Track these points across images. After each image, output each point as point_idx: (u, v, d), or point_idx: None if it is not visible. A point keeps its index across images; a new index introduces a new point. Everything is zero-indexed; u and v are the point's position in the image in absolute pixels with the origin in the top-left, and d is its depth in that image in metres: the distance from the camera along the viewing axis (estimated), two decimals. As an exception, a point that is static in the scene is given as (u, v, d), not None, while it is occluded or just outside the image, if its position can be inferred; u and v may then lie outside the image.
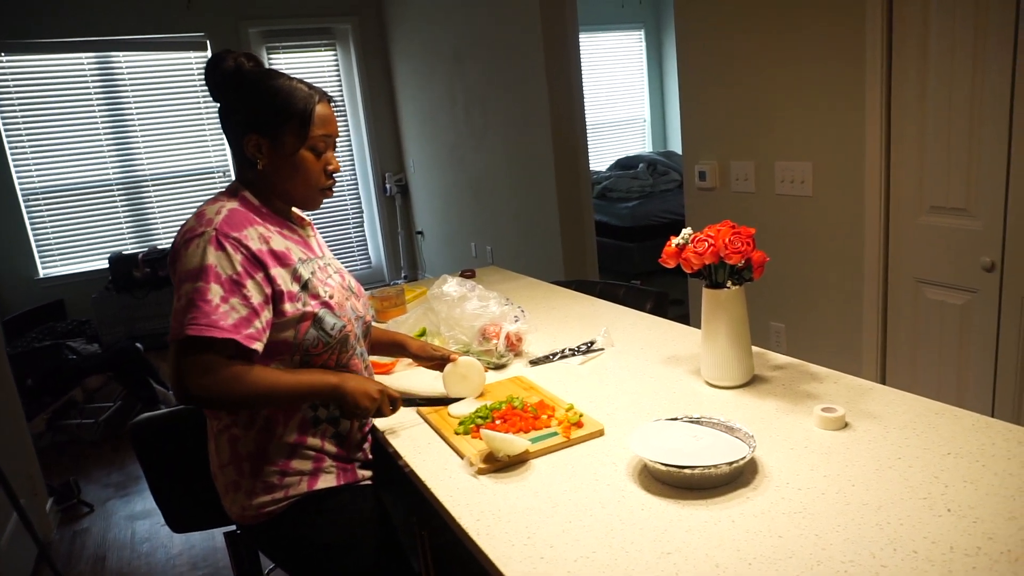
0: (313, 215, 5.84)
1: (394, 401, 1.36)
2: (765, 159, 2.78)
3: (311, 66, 5.99)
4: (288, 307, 1.26)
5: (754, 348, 1.52)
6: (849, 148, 2.46)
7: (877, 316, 2.48)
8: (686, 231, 1.47)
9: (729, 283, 1.43)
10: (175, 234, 1.26)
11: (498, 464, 1.22)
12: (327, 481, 1.33)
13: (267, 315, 1.23)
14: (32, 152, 5.18)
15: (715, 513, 1.04)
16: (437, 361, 1.57)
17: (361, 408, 1.30)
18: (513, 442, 1.21)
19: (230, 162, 5.74)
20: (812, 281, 2.71)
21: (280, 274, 1.26)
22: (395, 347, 1.64)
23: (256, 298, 1.21)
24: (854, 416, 1.28)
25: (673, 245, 1.47)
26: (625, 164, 6.62)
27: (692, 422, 1.24)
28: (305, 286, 1.29)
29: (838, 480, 1.08)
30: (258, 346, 1.21)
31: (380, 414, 1.35)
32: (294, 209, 1.43)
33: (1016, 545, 0.90)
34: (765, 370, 1.53)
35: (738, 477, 1.12)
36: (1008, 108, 2.00)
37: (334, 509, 1.34)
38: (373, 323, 1.60)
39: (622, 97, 7.56)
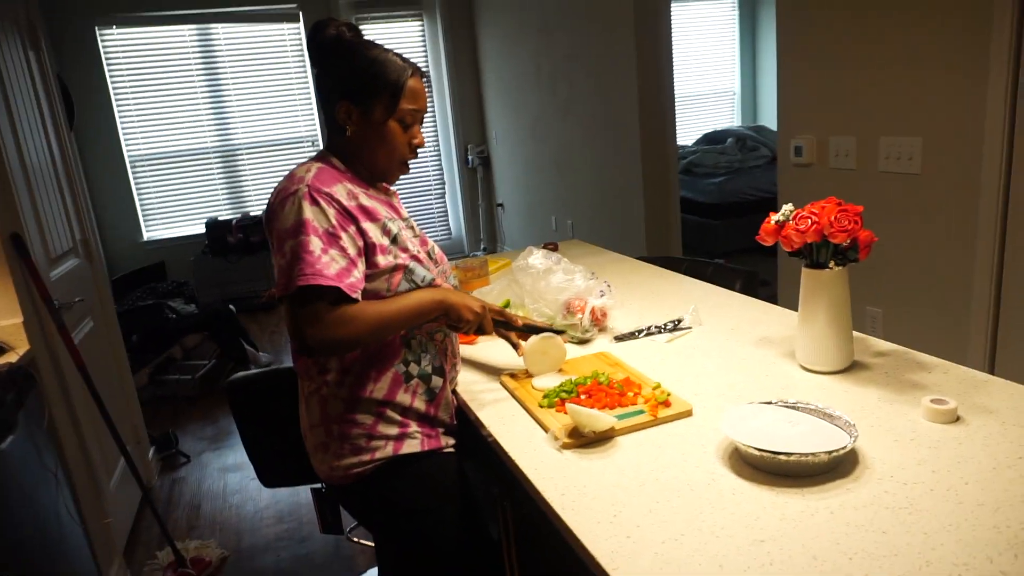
0: (395, 185, 5.93)
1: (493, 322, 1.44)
2: (869, 134, 2.62)
3: (398, 36, 6.04)
4: (380, 259, 1.29)
5: (854, 333, 1.44)
6: (966, 121, 2.27)
7: (989, 304, 2.31)
8: (787, 207, 1.39)
9: (832, 263, 1.36)
10: (269, 197, 1.30)
11: (583, 439, 1.21)
12: (412, 446, 1.35)
13: (362, 267, 1.27)
14: (139, 121, 5.47)
15: (812, 503, 0.99)
16: (520, 330, 1.56)
17: (464, 320, 1.36)
18: (599, 418, 1.19)
19: (319, 132, 5.89)
20: (916, 265, 2.55)
21: (371, 228, 1.29)
22: None
23: (351, 250, 1.24)
24: (967, 409, 1.19)
25: (773, 222, 1.40)
26: (712, 139, 6.40)
27: (788, 407, 1.19)
28: (395, 240, 1.32)
29: (949, 477, 1.01)
30: (358, 295, 1.24)
31: (481, 330, 1.41)
32: None
33: None
34: (866, 356, 1.45)
35: (837, 467, 1.07)
36: None
37: (417, 474, 1.37)
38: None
39: (711, 69, 7.30)
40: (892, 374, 1.36)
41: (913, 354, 1.45)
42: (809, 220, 1.33)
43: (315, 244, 1.20)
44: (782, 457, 1.04)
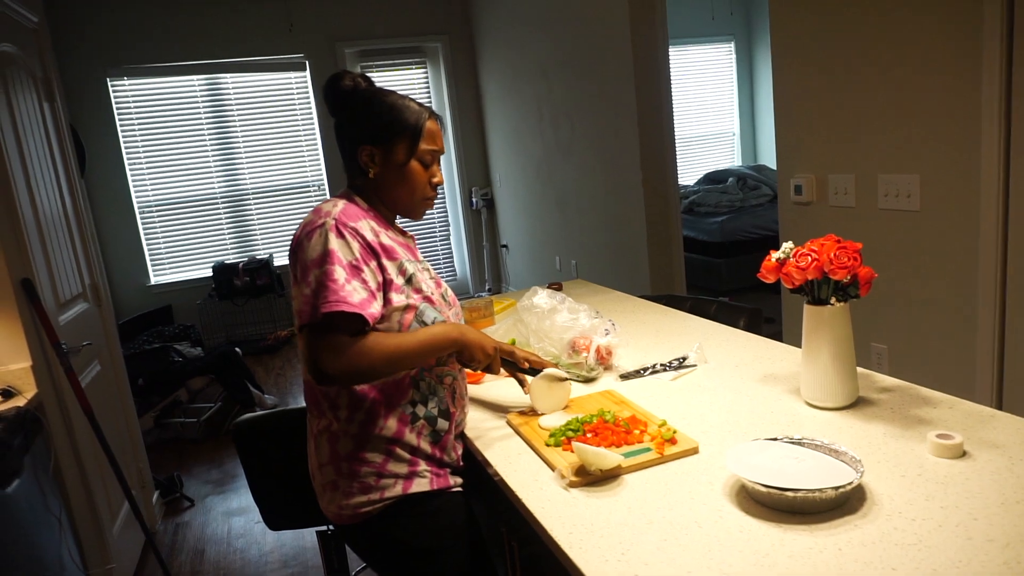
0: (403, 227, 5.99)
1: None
2: (867, 171, 2.66)
3: (403, 84, 6.18)
4: (394, 297, 1.33)
5: (858, 369, 1.45)
6: (962, 159, 2.31)
7: (993, 339, 2.31)
8: (787, 245, 1.42)
9: (833, 300, 1.37)
10: (285, 239, 1.35)
11: (590, 478, 1.21)
12: (421, 485, 1.35)
13: (380, 300, 1.30)
14: (148, 168, 5.57)
15: (820, 540, 0.99)
16: (526, 372, 1.57)
17: (476, 360, 1.39)
18: (606, 456, 1.19)
19: (325, 177, 5.98)
20: (918, 301, 2.56)
21: (389, 265, 1.34)
22: None
23: (372, 283, 1.28)
24: (973, 445, 1.19)
25: (773, 259, 1.42)
26: (714, 178, 6.48)
27: (793, 443, 1.19)
28: (409, 280, 1.36)
29: (957, 512, 1.01)
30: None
31: (490, 370, 1.44)
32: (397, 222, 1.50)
33: None
34: (871, 392, 1.46)
35: (844, 503, 1.06)
36: None
37: (426, 514, 1.36)
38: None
39: (711, 110, 7.43)
40: (897, 409, 1.36)
41: (918, 389, 1.45)
42: (809, 257, 1.35)
43: (340, 274, 1.24)
44: (789, 494, 1.04)
